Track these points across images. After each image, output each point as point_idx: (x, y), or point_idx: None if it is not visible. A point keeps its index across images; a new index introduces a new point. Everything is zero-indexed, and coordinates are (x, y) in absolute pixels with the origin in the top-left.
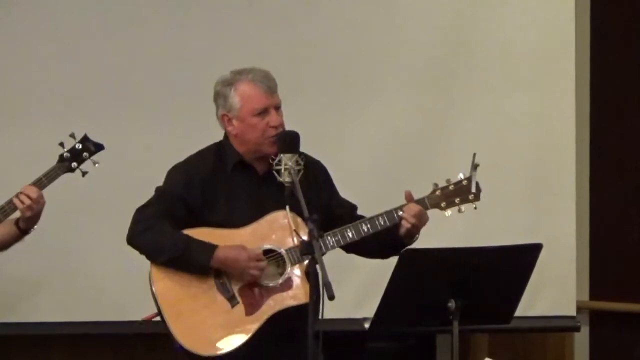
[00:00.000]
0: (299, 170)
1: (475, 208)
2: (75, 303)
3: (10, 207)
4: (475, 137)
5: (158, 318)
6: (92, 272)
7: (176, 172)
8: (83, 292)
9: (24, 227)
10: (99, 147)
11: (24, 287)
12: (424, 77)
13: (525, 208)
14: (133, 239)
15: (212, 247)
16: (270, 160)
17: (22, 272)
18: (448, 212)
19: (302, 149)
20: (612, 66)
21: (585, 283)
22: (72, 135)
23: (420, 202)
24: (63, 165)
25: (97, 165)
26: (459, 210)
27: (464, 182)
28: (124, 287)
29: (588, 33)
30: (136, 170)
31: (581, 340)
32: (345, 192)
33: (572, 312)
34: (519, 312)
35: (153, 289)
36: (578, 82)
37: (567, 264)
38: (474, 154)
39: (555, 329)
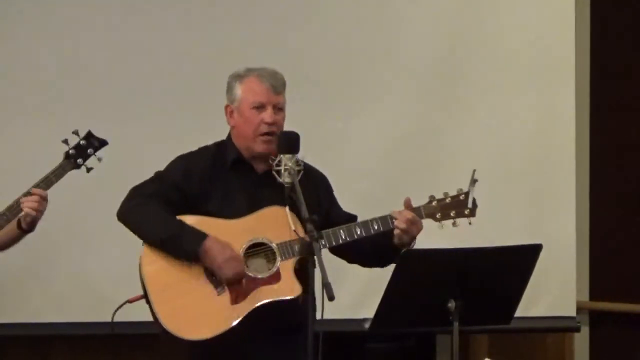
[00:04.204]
0: (298, 171)
1: (470, 223)
2: (75, 303)
3: (17, 207)
4: (476, 138)
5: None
6: (93, 272)
7: (177, 161)
8: (83, 292)
9: (27, 228)
10: (102, 143)
11: (24, 287)
12: (423, 79)
13: (525, 209)
14: (124, 215)
15: (202, 235)
16: (270, 161)
17: (21, 272)
18: (442, 224)
19: (301, 151)
20: (612, 67)
21: (585, 283)
22: (76, 132)
23: (415, 210)
24: (69, 163)
25: (101, 161)
26: (454, 224)
27: (461, 197)
28: (125, 288)
29: (588, 34)
30: (137, 172)
31: (581, 341)
32: (343, 193)
33: (572, 312)
34: (519, 312)
35: (142, 271)
36: (578, 82)
37: (567, 264)
38: (474, 170)
39: (555, 329)
